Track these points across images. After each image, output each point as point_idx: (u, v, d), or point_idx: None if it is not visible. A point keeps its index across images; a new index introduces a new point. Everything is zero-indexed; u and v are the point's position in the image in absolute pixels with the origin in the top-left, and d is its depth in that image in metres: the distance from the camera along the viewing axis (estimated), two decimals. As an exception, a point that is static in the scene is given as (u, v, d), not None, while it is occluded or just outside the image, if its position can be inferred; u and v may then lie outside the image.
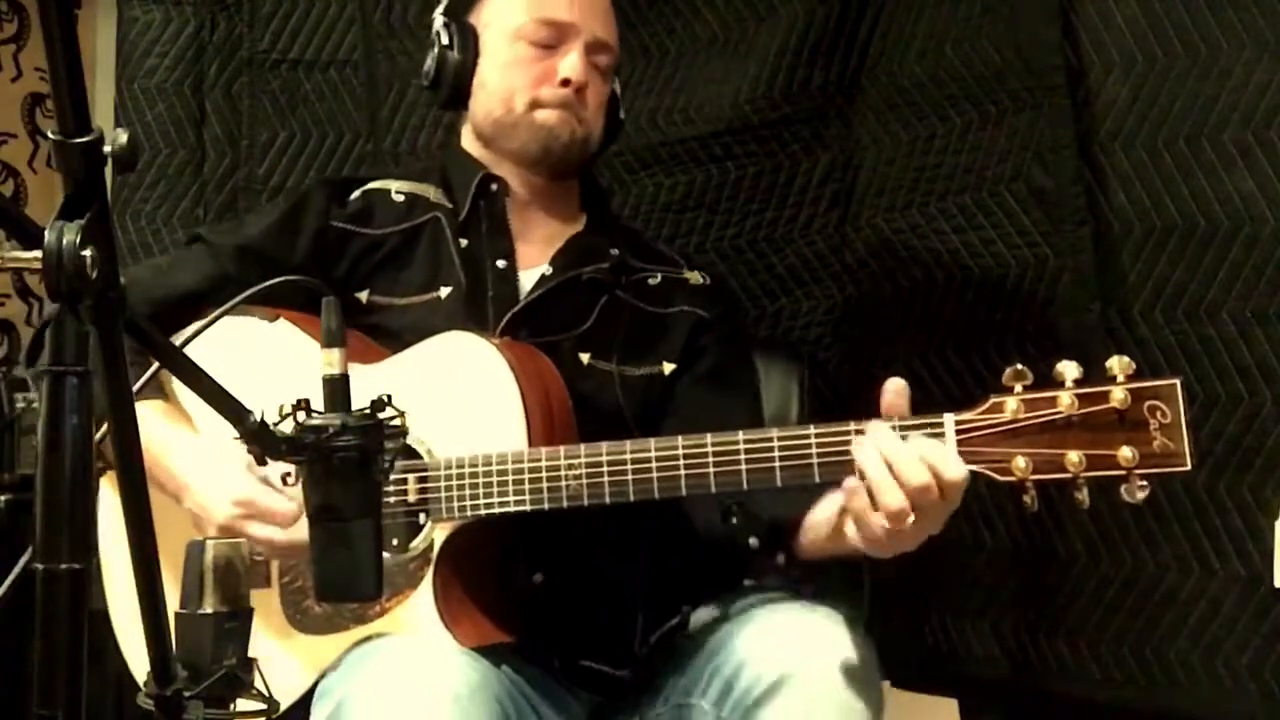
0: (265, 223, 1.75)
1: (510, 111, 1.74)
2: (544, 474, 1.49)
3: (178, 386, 1.64)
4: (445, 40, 1.78)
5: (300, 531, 1.47)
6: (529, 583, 1.59)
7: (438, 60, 1.79)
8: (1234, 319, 1.72)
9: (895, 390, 1.38)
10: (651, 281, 1.78)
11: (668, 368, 1.72)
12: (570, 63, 1.72)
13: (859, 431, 1.38)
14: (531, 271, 1.74)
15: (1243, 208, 1.70)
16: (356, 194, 1.77)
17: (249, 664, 1.07)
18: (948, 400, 1.97)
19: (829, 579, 1.64)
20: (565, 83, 1.71)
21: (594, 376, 1.67)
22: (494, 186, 1.76)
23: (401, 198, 1.77)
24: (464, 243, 1.72)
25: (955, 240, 1.95)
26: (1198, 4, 1.73)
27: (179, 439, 1.57)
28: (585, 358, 1.68)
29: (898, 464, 1.32)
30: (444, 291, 1.69)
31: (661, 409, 1.69)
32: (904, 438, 1.34)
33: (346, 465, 1.05)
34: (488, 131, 1.77)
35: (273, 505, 1.49)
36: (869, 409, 2.01)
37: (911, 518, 1.32)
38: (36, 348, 1.70)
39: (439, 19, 1.80)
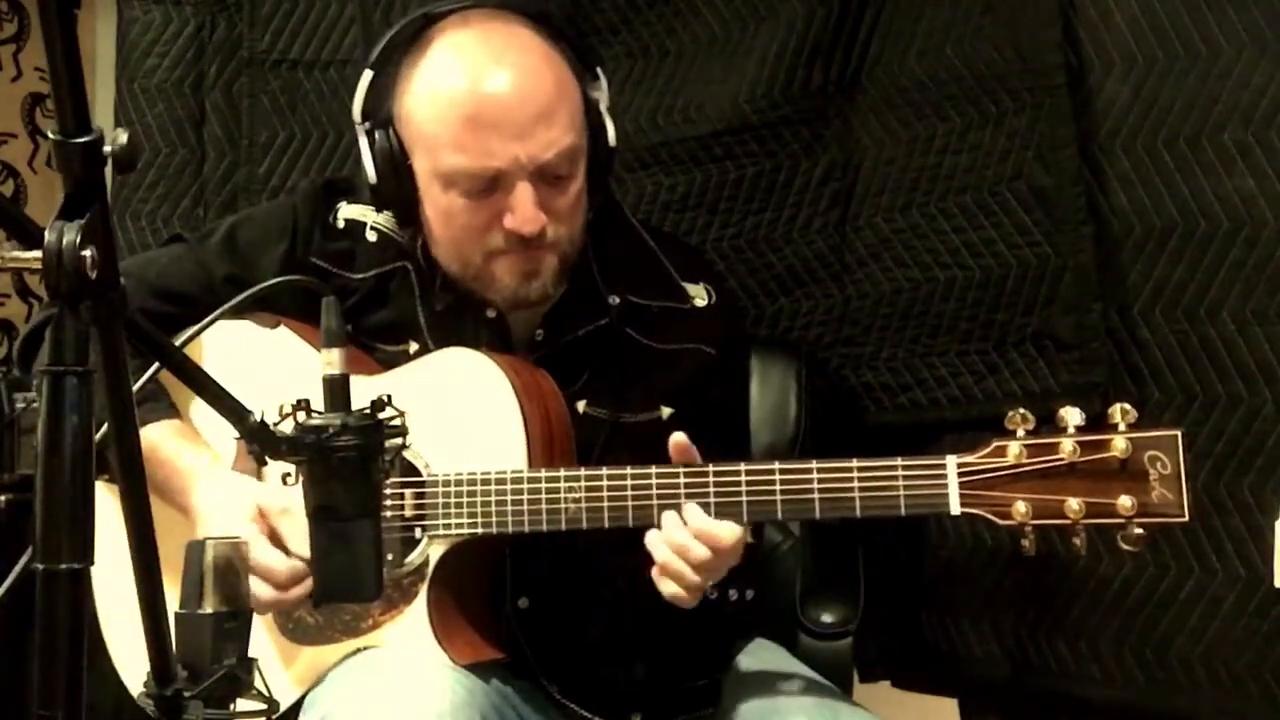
0: (268, 260, 1.66)
1: (468, 265, 1.58)
2: (543, 495, 1.48)
3: (194, 408, 1.63)
4: (373, 176, 1.58)
5: (297, 590, 1.47)
6: (515, 607, 1.57)
7: (375, 196, 1.61)
8: (1234, 319, 1.72)
9: (678, 449, 1.46)
10: (654, 313, 1.67)
11: (666, 412, 1.65)
12: (519, 215, 1.52)
13: (862, 469, 1.41)
14: (524, 315, 1.64)
15: (1243, 208, 1.70)
16: (342, 223, 1.68)
17: (249, 664, 1.07)
18: (947, 400, 1.97)
19: (826, 582, 1.64)
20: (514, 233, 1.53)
21: (586, 425, 1.61)
22: None
23: (375, 236, 1.67)
24: (441, 297, 1.63)
25: (955, 240, 1.94)
26: (1198, 4, 1.73)
27: (199, 471, 1.55)
28: (581, 406, 1.62)
29: (689, 550, 1.42)
30: (412, 347, 1.63)
31: (659, 453, 1.50)
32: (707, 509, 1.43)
33: (346, 465, 1.05)
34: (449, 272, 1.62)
35: (268, 563, 1.46)
36: (868, 410, 2.01)
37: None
38: (28, 348, 1.70)
39: (359, 129, 1.60)
